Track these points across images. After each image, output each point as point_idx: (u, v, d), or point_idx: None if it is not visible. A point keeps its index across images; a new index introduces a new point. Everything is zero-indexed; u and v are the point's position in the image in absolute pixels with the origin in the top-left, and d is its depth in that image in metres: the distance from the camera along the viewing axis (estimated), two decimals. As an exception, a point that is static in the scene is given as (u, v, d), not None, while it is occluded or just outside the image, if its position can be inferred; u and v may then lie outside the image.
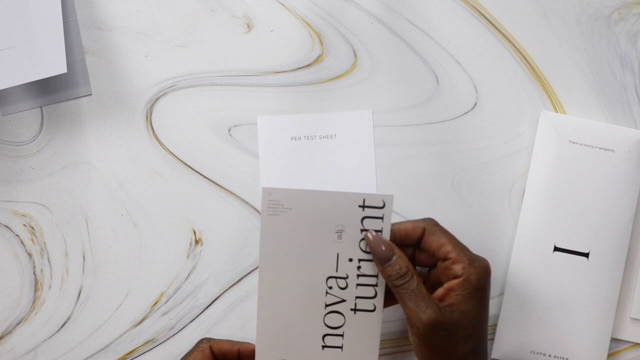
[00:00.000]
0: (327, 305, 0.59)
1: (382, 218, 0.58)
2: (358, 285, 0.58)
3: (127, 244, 0.66)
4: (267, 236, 0.58)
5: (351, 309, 0.59)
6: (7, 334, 0.66)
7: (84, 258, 0.66)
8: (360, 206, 0.58)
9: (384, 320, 0.65)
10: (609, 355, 0.65)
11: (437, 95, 0.67)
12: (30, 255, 0.66)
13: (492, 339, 0.65)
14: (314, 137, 0.66)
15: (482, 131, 0.66)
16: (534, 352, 0.64)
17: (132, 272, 0.66)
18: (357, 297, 0.59)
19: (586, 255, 0.64)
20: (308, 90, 0.67)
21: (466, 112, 0.67)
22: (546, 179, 0.65)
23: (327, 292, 0.58)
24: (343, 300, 0.59)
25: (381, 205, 0.58)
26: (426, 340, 0.55)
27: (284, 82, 0.67)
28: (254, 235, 0.66)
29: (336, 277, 0.58)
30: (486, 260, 0.57)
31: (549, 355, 0.64)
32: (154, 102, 0.67)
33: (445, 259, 0.57)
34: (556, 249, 0.64)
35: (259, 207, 0.66)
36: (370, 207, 0.58)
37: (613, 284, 0.64)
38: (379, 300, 0.59)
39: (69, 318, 0.66)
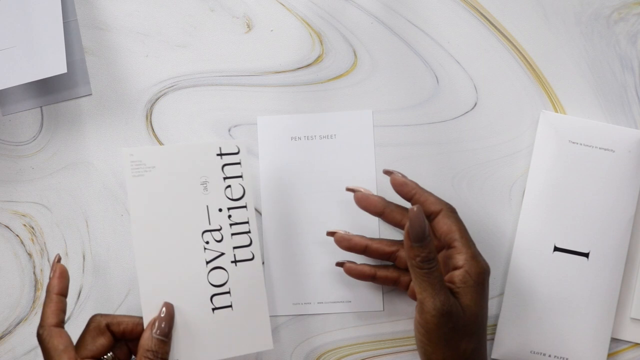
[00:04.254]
0: (207, 262, 0.59)
1: (239, 163, 0.60)
2: (233, 234, 0.59)
3: (127, 244, 0.66)
4: (136, 199, 0.58)
5: (232, 262, 0.59)
6: (7, 334, 0.66)
7: (84, 258, 0.66)
8: (218, 155, 0.59)
9: (387, 320, 0.65)
10: (609, 355, 0.65)
11: (437, 95, 0.67)
12: (30, 255, 0.66)
13: (492, 339, 0.65)
14: (314, 137, 0.66)
15: (482, 131, 0.66)
16: (534, 352, 0.64)
17: (132, 272, 0.66)
18: (234, 248, 0.59)
19: (586, 255, 0.64)
20: (308, 90, 0.67)
21: (466, 112, 0.67)
22: (546, 179, 0.65)
23: (205, 248, 0.59)
24: (222, 254, 0.59)
25: (236, 151, 0.60)
26: (434, 330, 0.55)
27: (284, 82, 0.67)
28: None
29: (210, 231, 0.59)
30: (486, 261, 0.58)
31: (549, 355, 0.64)
32: (154, 102, 0.67)
33: (449, 246, 0.57)
34: (556, 249, 0.64)
35: (259, 208, 0.66)
36: (227, 154, 0.60)
37: (613, 284, 0.64)
38: (256, 247, 0.60)
39: (68, 318, 0.66)
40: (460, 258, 0.56)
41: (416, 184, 0.60)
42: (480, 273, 0.56)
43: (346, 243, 0.62)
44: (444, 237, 0.58)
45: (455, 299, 0.55)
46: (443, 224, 0.58)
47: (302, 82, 0.67)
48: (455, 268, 0.56)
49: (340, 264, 0.63)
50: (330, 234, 0.63)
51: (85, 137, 0.67)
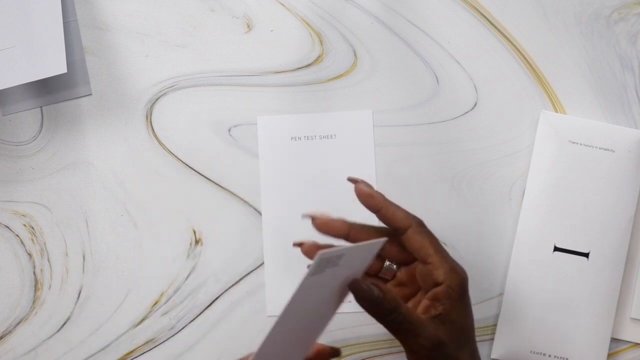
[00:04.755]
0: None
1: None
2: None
3: (127, 244, 0.66)
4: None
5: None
6: (7, 334, 0.66)
7: (84, 258, 0.66)
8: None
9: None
10: (609, 355, 0.65)
11: (437, 95, 0.67)
12: (30, 255, 0.66)
13: (492, 339, 0.65)
14: (314, 137, 0.66)
15: (482, 131, 0.66)
16: (534, 352, 0.64)
17: (132, 272, 0.66)
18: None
19: (586, 255, 0.64)
20: (308, 90, 0.67)
21: (466, 112, 0.67)
22: (546, 179, 0.65)
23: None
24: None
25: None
26: None
27: (284, 82, 0.67)
28: (253, 236, 0.66)
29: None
30: (463, 268, 0.57)
31: (549, 355, 0.64)
32: (154, 102, 0.67)
33: (424, 262, 0.56)
34: (556, 249, 0.64)
35: (259, 208, 0.66)
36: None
37: (613, 284, 0.64)
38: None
39: (68, 318, 0.66)
40: (440, 273, 0.55)
41: (382, 197, 0.57)
42: (461, 283, 0.55)
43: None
44: (416, 252, 0.56)
45: (438, 317, 0.54)
46: (414, 240, 0.56)
47: (302, 82, 0.67)
48: (436, 284, 0.55)
49: (298, 244, 0.59)
50: (298, 244, 0.59)
51: (85, 137, 0.67)
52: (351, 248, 0.51)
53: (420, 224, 0.57)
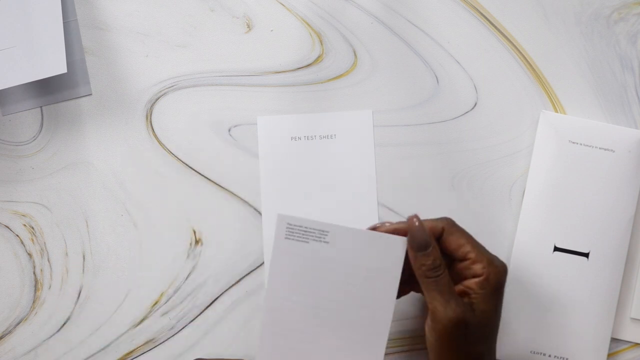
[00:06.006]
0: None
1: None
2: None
3: (127, 244, 0.66)
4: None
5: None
6: (7, 334, 0.66)
7: (84, 258, 0.66)
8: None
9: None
10: (609, 355, 0.65)
11: (437, 95, 0.67)
12: (30, 255, 0.66)
13: (492, 339, 0.65)
14: (314, 137, 0.66)
15: (482, 131, 0.66)
16: (534, 352, 0.64)
17: (132, 272, 0.66)
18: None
19: (586, 255, 0.64)
20: (308, 90, 0.67)
21: (466, 112, 0.67)
22: (546, 179, 0.65)
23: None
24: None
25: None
26: (447, 337, 0.55)
27: (284, 82, 0.67)
28: (253, 236, 0.66)
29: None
30: (503, 261, 0.58)
31: (549, 355, 0.64)
32: (154, 102, 0.67)
33: (464, 259, 0.57)
34: (556, 249, 0.64)
35: (259, 208, 0.66)
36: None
37: (613, 284, 0.64)
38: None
39: (68, 318, 0.66)
40: (479, 267, 0.56)
41: (406, 221, 0.57)
42: (499, 278, 0.56)
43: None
44: (456, 252, 0.57)
45: (470, 304, 0.56)
46: (450, 242, 0.57)
47: (302, 82, 0.67)
48: (475, 276, 0.56)
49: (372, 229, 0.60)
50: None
51: (85, 137, 0.67)
52: (340, 227, 0.56)
53: (450, 224, 0.58)
